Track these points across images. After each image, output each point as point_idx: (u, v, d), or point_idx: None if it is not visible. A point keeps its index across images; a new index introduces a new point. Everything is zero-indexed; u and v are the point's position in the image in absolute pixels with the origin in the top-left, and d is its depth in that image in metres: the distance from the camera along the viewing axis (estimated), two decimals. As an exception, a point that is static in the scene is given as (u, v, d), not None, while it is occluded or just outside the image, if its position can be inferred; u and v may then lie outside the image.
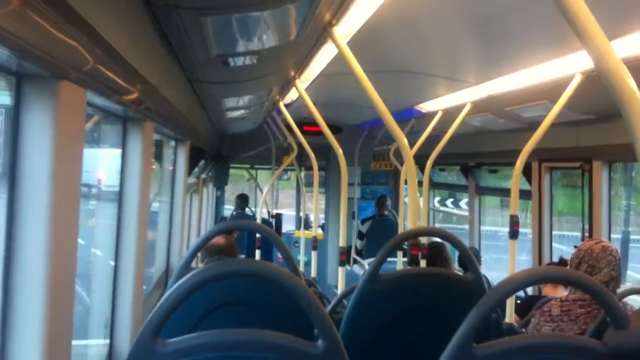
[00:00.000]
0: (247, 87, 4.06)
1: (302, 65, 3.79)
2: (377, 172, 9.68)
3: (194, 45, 2.50)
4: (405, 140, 3.20)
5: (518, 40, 3.23)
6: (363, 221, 8.96)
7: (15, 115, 1.50)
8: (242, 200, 9.71)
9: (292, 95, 5.28)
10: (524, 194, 5.55)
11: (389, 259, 2.69)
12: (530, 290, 5.10)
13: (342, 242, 4.62)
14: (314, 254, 5.75)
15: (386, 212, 8.89)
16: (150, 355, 1.37)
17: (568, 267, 3.17)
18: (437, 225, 10.12)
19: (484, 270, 4.31)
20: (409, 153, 3.22)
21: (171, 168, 5.01)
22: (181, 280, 1.40)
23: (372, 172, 9.67)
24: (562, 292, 3.88)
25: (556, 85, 3.56)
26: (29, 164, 1.51)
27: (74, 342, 1.79)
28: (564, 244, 6.67)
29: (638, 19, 2.55)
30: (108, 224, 2.80)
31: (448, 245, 3.84)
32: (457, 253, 4.83)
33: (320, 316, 1.43)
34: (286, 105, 5.61)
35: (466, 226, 7.57)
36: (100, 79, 1.72)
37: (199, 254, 3.17)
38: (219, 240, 2.99)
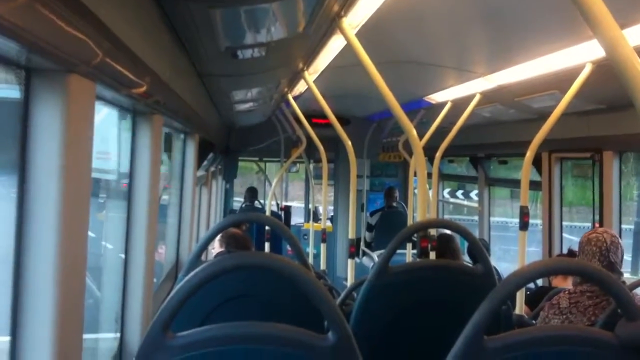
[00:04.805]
0: (256, 80, 4.06)
1: (310, 57, 3.77)
2: (386, 164, 9.65)
3: (202, 38, 2.50)
4: (415, 132, 3.18)
5: (528, 30, 3.20)
6: (372, 213, 8.94)
7: (24, 109, 1.50)
8: (252, 193, 9.73)
9: (300, 88, 5.27)
10: (534, 185, 5.53)
11: (398, 251, 2.69)
12: (540, 281, 5.08)
13: (351, 235, 4.62)
14: (323, 246, 5.74)
15: (394, 204, 8.87)
16: (161, 349, 1.37)
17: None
18: (447, 216, 10.11)
19: (493, 261, 4.30)
20: (418, 144, 3.21)
21: (180, 161, 5.02)
22: (191, 274, 1.40)
23: (381, 164, 9.65)
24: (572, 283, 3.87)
25: (566, 75, 3.53)
26: (39, 157, 1.51)
27: (84, 336, 1.80)
28: (575, 235, 6.63)
29: (650, 7, 2.52)
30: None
31: (457, 237, 3.83)
32: (466, 244, 4.82)
33: (330, 309, 1.43)
34: (295, 98, 5.60)
35: (477, 217, 7.55)
36: (109, 72, 1.71)
37: (219, 239, 3.20)
38: (237, 231, 3.02)
